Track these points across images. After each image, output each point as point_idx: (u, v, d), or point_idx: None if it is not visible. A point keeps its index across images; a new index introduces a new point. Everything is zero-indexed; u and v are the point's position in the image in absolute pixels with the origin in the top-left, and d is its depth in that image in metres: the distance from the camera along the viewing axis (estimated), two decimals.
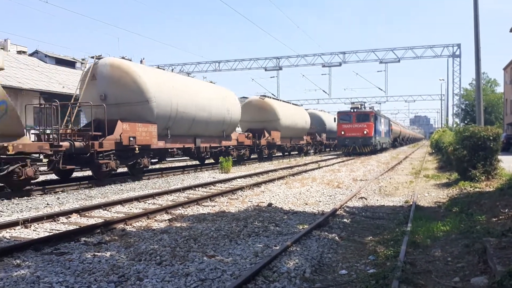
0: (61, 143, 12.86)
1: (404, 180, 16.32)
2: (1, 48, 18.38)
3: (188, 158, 23.80)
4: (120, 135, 14.82)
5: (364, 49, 40.96)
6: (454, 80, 40.86)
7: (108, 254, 6.06)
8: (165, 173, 18.56)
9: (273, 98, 32.20)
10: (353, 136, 34.94)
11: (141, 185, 14.32)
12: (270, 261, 5.56)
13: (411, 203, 10.61)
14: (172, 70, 19.43)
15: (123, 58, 16.47)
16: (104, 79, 15.82)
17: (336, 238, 7.28)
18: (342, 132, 35.53)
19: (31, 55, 38.17)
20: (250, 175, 17.50)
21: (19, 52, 37.36)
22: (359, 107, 37.02)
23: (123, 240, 6.91)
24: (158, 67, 19.47)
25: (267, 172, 19.24)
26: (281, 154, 33.75)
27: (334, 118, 38.15)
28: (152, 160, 17.94)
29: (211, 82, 23.08)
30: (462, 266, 5.51)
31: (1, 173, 11.20)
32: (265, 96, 30.17)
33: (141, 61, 22.12)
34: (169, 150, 18.35)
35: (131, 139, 15.16)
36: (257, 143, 26.58)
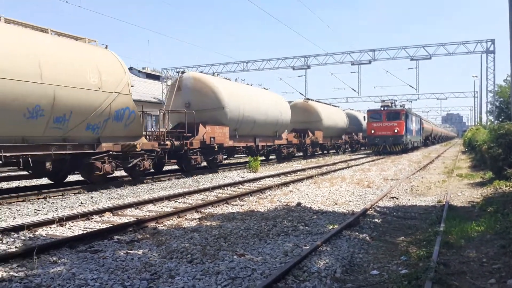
0: (166, 142, 16.29)
1: (437, 180, 15.99)
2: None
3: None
4: (203, 136, 18.39)
5: (395, 46, 40.29)
6: (488, 76, 39.70)
7: (140, 252, 6.17)
8: (193, 172, 18.74)
9: (315, 101, 34.83)
10: (384, 134, 34.42)
11: (171, 185, 14.52)
12: (300, 261, 5.55)
13: (444, 202, 10.39)
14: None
15: (201, 72, 21.34)
16: (188, 90, 19.47)
17: (367, 238, 7.20)
18: (372, 131, 35.05)
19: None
20: (278, 175, 17.49)
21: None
22: (390, 105, 36.43)
23: (155, 238, 7.02)
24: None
25: (295, 171, 19.19)
26: (320, 152, 35.47)
27: (364, 117, 37.70)
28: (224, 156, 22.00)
29: (264, 88, 25.95)
30: (498, 268, 5.37)
31: (129, 165, 14.48)
32: (308, 99, 33.58)
33: (213, 74, 24.02)
34: (236, 148, 21.99)
35: (212, 139, 18.80)
36: (302, 142, 29.44)
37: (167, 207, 10.22)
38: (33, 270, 5.31)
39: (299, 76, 64.91)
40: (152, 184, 14.57)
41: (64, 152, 12.13)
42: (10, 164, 12.51)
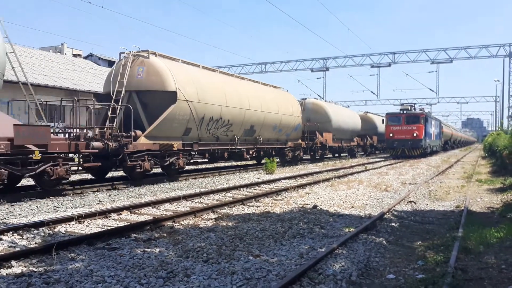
0: (308, 142, 28.41)
1: (455, 184, 15.77)
2: (58, 52, 19.93)
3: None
4: (320, 138, 29.18)
5: (415, 49, 39.92)
6: (510, 81, 39.02)
7: (157, 250, 6.23)
8: (210, 173, 18.84)
9: (325, 101, 35.38)
10: (402, 138, 34.07)
11: (188, 184, 14.61)
12: (316, 263, 5.53)
13: (463, 208, 10.25)
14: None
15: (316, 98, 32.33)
16: (309, 110, 30.42)
17: (384, 242, 7.14)
18: (391, 134, 34.73)
19: (85, 57, 39.87)
20: (294, 177, 17.46)
21: (75, 55, 39.15)
22: (409, 108, 36.06)
23: (172, 237, 7.08)
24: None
25: (311, 174, 19.13)
26: (331, 155, 35.04)
27: (383, 120, 37.37)
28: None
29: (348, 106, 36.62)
30: None
31: (165, 164, 15.35)
32: (317, 98, 34.23)
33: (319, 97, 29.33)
34: (333, 147, 32.33)
35: (325, 140, 29.77)
36: (310, 145, 28.23)
37: (183, 206, 10.29)
38: (52, 266, 5.41)
39: (317, 78, 64.57)
40: (169, 184, 14.67)
41: (278, 146, 24.15)
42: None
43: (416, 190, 13.69)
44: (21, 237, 6.95)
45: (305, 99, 31.30)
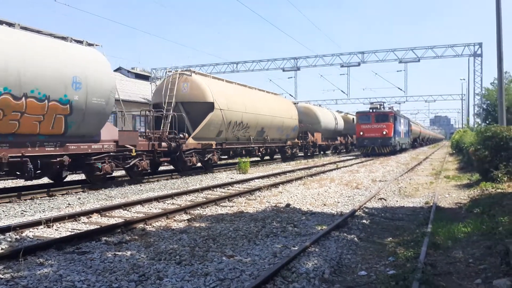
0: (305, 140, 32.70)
1: (424, 181, 16.12)
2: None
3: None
4: (311, 138, 33.16)
5: (384, 49, 40.53)
6: (476, 79, 40.11)
7: (128, 253, 6.14)
8: (184, 174, 18.68)
9: (314, 105, 40.07)
10: (372, 136, 34.63)
11: (160, 186, 14.46)
12: (289, 262, 5.56)
13: (432, 204, 10.49)
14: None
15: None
16: (301, 113, 32.27)
17: (355, 239, 7.24)
18: (361, 133, 35.25)
19: (115, 71, 42.20)
20: (267, 176, 17.50)
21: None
22: (378, 107, 36.67)
23: (143, 240, 6.99)
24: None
25: (284, 172, 19.22)
26: (317, 152, 37.54)
27: (353, 119, 37.94)
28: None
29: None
30: (484, 268, 5.43)
31: (205, 159, 18.91)
32: (308, 102, 39.63)
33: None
34: (322, 145, 36.36)
35: (315, 140, 33.87)
36: (304, 143, 32.89)
37: (155, 208, 10.18)
38: (19, 272, 5.26)
39: (288, 78, 64.91)
40: (140, 185, 14.49)
41: (280, 144, 27.95)
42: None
43: (386, 187, 13.93)
44: None
45: (297, 103, 36.09)
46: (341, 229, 7.80)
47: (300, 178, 16.57)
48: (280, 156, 30.23)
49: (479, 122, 43.96)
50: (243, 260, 5.85)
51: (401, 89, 49.20)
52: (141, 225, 8.08)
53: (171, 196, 11.51)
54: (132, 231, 7.67)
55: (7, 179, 15.72)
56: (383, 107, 37.74)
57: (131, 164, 14.61)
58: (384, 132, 34.42)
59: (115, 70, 42.85)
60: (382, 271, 5.55)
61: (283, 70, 44.47)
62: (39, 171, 12.12)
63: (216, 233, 7.37)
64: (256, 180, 16.10)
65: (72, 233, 7.38)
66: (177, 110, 18.56)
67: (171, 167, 19.31)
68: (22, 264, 5.58)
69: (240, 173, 19.08)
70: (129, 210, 9.83)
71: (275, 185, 14.34)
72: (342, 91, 51.33)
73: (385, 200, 11.57)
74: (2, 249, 6.43)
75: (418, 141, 64.08)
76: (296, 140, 30.65)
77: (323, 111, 38.33)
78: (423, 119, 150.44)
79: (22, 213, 9.43)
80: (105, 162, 13.47)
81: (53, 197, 11.76)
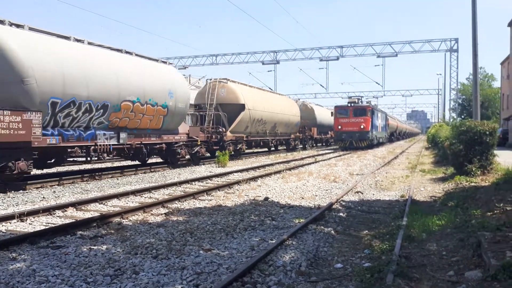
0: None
1: (400, 175, 16.37)
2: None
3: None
4: (308, 132, 38.60)
5: (362, 43, 40.89)
6: (452, 74, 40.88)
7: (104, 247, 6.07)
8: (161, 167, 18.54)
9: (312, 103, 44.88)
10: (350, 130, 34.94)
11: (137, 179, 14.32)
12: (266, 255, 5.58)
13: (407, 197, 10.65)
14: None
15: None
16: (300, 110, 36.16)
17: (332, 232, 7.30)
18: (339, 127, 35.54)
19: None
20: (246, 169, 17.51)
21: None
22: (356, 101, 37.02)
23: (119, 234, 6.91)
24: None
25: (263, 166, 19.26)
26: (313, 145, 43.01)
27: (331, 113, 38.26)
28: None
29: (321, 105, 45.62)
30: (456, 260, 5.54)
31: (237, 148, 24.56)
32: (305, 100, 45.92)
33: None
34: (317, 138, 42.55)
35: (312, 133, 39.82)
36: (303, 137, 37.69)
37: (132, 202, 10.08)
38: None
39: (268, 71, 64.85)
40: (117, 179, 14.34)
41: (286, 137, 32.63)
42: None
43: (363, 181, 14.09)
44: None
45: (297, 100, 42.27)
46: (318, 222, 7.86)
47: (278, 172, 16.63)
48: (283, 148, 35.02)
49: (455, 117, 44.78)
50: (220, 253, 5.84)
51: (379, 84, 49.78)
52: (117, 219, 7.99)
53: (148, 189, 11.41)
54: (108, 225, 7.58)
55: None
56: (361, 102, 38.12)
57: (195, 150, 20.15)
58: (362, 126, 34.77)
59: None
60: (358, 263, 5.62)
61: (263, 63, 44.50)
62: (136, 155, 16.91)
63: (193, 227, 7.34)
64: (235, 174, 16.09)
65: (47, 227, 7.26)
66: (216, 109, 23.67)
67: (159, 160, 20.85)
68: None
69: (219, 167, 19.03)
70: (106, 203, 9.71)
71: (254, 178, 14.35)
72: (321, 85, 51.95)
73: (362, 193, 11.70)
74: None
75: (395, 135, 65.02)
76: (298, 134, 35.91)
77: (319, 108, 44.23)
78: (400, 113, 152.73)
79: None
80: (182, 149, 18.97)
81: (27, 191, 11.53)
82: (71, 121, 13.08)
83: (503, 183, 10.19)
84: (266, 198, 10.47)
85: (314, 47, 42.19)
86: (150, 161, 19.39)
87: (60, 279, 4.79)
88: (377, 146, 40.17)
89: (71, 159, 16.17)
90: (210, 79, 24.95)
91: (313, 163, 21.54)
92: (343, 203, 10.07)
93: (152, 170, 17.41)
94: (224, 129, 22.97)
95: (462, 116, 51.43)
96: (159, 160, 20.00)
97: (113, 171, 15.89)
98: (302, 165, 19.87)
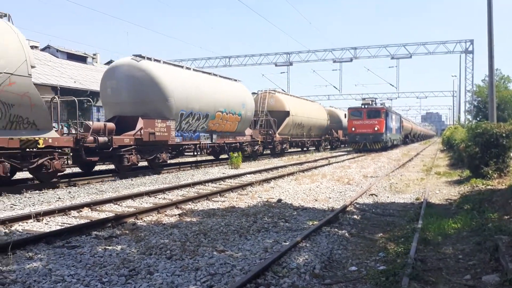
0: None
1: (415, 177, 16.22)
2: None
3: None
4: (335, 134, 42.69)
5: (376, 45, 40.66)
6: (467, 76, 40.41)
7: (119, 247, 6.11)
8: (175, 168, 18.63)
9: (337, 108, 48.53)
10: (364, 132, 34.68)
11: (151, 180, 14.40)
12: (280, 257, 5.57)
13: (422, 200, 10.55)
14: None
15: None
16: (329, 116, 41.00)
17: (346, 234, 7.26)
18: (353, 129, 35.30)
19: (43, 50, 38.21)
20: (259, 171, 17.51)
21: (32, 47, 37.27)
22: (370, 103, 36.75)
23: (134, 234, 6.96)
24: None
25: (276, 168, 19.24)
26: (340, 146, 46.06)
27: (345, 114, 38.08)
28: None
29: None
30: (473, 264, 5.47)
31: (283, 147, 30.11)
32: (332, 107, 48.41)
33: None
34: (342, 140, 44.54)
35: (339, 136, 43.52)
36: (331, 138, 42.05)
37: (146, 202, 10.14)
38: (8, 266, 5.21)
39: (281, 73, 64.82)
40: (132, 180, 14.43)
41: (318, 139, 38.07)
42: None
43: (377, 183, 13.99)
44: None
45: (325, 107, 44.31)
46: (332, 225, 7.82)
47: (292, 174, 16.59)
48: (309, 148, 38.85)
49: (470, 119, 44.26)
50: (234, 255, 5.84)
51: (392, 85, 49.60)
52: (132, 220, 8.05)
53: (162, 190, 11.47)
54: (123, 226, 7.64)
55: None
56: (375, 103, 37.83)
57: (256, 148, 25.74)
58: (376, 128, 34.51)
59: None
60: (373, 266, 5.58)
61: (276, 65, 44.50)
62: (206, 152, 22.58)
63: (207, 228, 7.35)
64: (248, 175, 16.10)
65: (62, 227, 7.34)
66: (267, 116, 28.63)
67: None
68: (11, 258, 5.53)
69: (232, 168, 19.06)
70: (120, 204, 9.78)
71: (267, 180, 14.34)
72: (334, 86, 51.56)
73: (376, 196, 11.62)
74: None
75: (409, 137, 64.43)
76: (327, 136, 40.43)
77: (341, 113, 46.71)
78: (414, 115, 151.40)
79: (11, 207, 9.35)
80: (248, 147, 24.53)
81: (43, 191, 11.67)
82: (188, 126, 18.80)
83: None
84: (279, 200, 10.45)
85: (327, 49, 42.07)
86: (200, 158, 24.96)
87: (75, 278, 4.83)
88: (391, 148, 39.85)
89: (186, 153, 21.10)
90: (261, 91, 30.22)
91: (326, 165, 21.45)
92: (357, 206, 10.00)
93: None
94: (273, 132, 28.39)
95: (478, 119, 50.73)
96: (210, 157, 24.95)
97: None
98: (316, 167, 19.80)
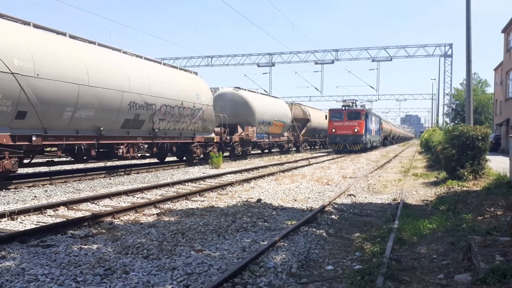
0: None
1: (393, 178, 16.42)
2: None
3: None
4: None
5: (357, 47, 41.10)
6: (446, 79, 41.24)
7: (94, 247, 6.04)
8: (153, 167, 18.50)
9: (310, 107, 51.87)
10: (344, 134, 35.00)
11: (129, 179, 14.28)
12: (257, 256, 5.58)
13: (399, 201, 10.69)
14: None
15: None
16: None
17: (324, 234, 7.31)
18: (333, 130, 35.59)
19: None
20: (240, 171, 17.51)
21: None
22: (351, 105, 37.09)
23: (110, 234, 6.89)
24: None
25: (257, 168, 19.26)
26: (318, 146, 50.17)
27: (325, 116, 38.35)
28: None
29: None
30: (447, 264, 5.57)
31: (303, 145, 41.19)
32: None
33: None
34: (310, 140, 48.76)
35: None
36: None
37: (124, 202, 10.05)
38: None
39: (263, 73, 64.89)
40: (110, 179, 14.28)
41: (324, 139, 46.28)
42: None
43: (356, 184, 14.12)
44: None
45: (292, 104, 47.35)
46: (310, 224, 7.87)
47: (272, 174, 16.63)
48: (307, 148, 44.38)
49: (448, 122, 44.99)
50: (211, 254, 5.83)
51: (373, 88, 50.09)
52: (108, 219, 7.97)
53: (141, 190, 11.38)
54: (100, 225, 7.55)
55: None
56: (355, 105, 38.20)
57: (289, 146, 34.26)
58: (356, 130, 34.86)
59: None
60: (349, 265, 5.63)
61: (258, 66, 44.58)
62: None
63: (185, 228, 7.33)
64: (228, 175, 16.08)
65: (37, 226, 7.22)
66: (293, 122, 35.61)
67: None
68: None
69: (212, 168, 19.01)
70: (97, 203, 9.67)
71: (247, 180, 14.35)
72: (316, 88, 51.84)
73: (354, 196, 11.73)
74: None
75: (388, 139, 65.28)
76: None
77: (318, 113, 50.23)
78: (394, 117, 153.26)
79: None
80: (286, 145, 33.72)
81: (18, 189, 11.47)
82: (260, 130, 27.66)
83: (494, 188, 10.25)
84: (259, 200, 10.47)
85: (310, 50, 42.35)
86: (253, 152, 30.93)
87: (49, 278, 4.76)
88: (371, 149, 40.29)
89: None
90: (288, 102, 37.73)
91: (306, 165, 21.56)
92: (336, 206, 10.09)
93: (146, 171, 17.39)
94: (298, 134, 37.08)
95: (456, 121, 51.69)
96: (258, 151, 33.00)
97: (103, 171, 15.83)
98: (296, 168, 19.89)
